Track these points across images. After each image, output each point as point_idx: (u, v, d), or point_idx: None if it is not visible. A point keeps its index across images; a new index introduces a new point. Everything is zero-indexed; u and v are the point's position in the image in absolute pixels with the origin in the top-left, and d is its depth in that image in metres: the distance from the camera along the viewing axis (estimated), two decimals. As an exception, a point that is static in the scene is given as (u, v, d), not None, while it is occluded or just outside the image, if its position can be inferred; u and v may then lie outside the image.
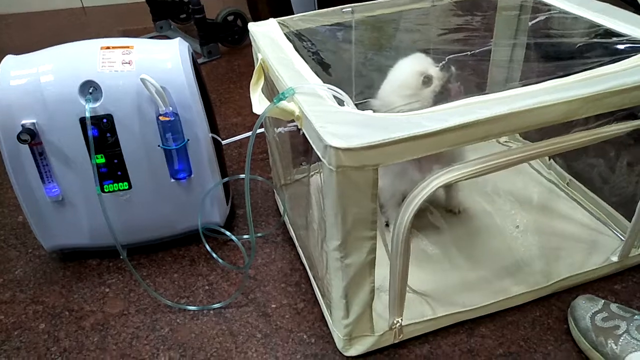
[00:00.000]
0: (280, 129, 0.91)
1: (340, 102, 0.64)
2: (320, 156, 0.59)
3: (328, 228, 0.65)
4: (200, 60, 1.78)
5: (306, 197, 0.80)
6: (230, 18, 1.83)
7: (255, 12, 1.84)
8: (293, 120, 0.67)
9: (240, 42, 1.89)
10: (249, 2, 1.85)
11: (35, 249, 1.03)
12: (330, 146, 0.55)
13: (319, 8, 1.05)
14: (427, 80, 0.82)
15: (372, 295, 0.71)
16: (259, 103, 0.74)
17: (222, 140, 1.05)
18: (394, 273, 0.69)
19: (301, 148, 1.05)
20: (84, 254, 1.00)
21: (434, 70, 0.83)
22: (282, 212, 1.05)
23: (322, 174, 0.62)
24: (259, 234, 1.03)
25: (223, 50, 1.86)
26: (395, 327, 0.75)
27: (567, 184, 1.05)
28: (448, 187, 0.98)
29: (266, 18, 0.91)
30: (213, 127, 0.96)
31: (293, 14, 0.93)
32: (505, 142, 1.20)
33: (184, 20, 2.11)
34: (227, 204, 1.04)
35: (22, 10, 2.43)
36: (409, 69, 0.85)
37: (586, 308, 0.78)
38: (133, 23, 2.24)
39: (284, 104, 0.65)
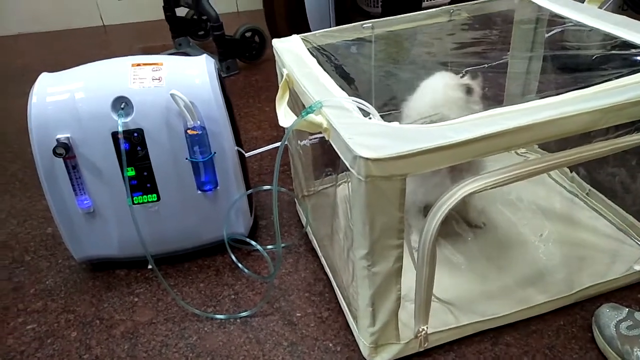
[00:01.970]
0: (304, 142, 0.93)
1: (366, 114, 0.67)
2: (348, 167, 0.61)
3: (355, 237, 0.67)
4: (219, 76, 1.82)
5: (332, 207, 0.82)
6: (248, 34, 1.87)
7: (274, 29, 1.88)
8: (316, 133, 0.69)
9: (258, 58, 1.93)
10: (267, 18, 1.89)
11: (65, 260, 1.06)
12: (360, 157, 0.58)
13: (337, 24, 1.08)
14: (469, 90, 0.85)
15: (399, 303, 0.73)
16: (285, 117, 0.77)
17: (245, 153, 1.08)
18: (419, 281, 0.70)
19: (324, 160, 1.07)
20: (112, 264, 1.02)
21: (468, 81, 0.86)
22: (304, 223, 1.07)
23: (349, 184, 0.64)
24: (282, 245, 1.05)
25: (241, 66, 1.90)
26: (421, 335, 0.77)
27: (587, 194, 1.06)
28: (465, 202, 1.00)
29: (284, 34, 0.94)
30: (237, 140, 0.99)
31: (310, 30, 0.95)
32: (524, 153, 1.22)
33: (202, 37, 2.16)
34: (251, 215, 1.06)
35: (43, 29, 2.51)
36: (452, 82, 0.87)
37: (610, 316, 0.79)
38: (152, 40, 2.30)
39: (311, 117, 0.68)
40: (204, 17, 2.09)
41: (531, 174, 0.65)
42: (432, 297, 0.79)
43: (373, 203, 0.61)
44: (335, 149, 0.65)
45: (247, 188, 1.02)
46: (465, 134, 0.59)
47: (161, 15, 2.00)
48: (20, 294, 0.99)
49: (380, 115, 0.67)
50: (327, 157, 1.08)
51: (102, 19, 2.55)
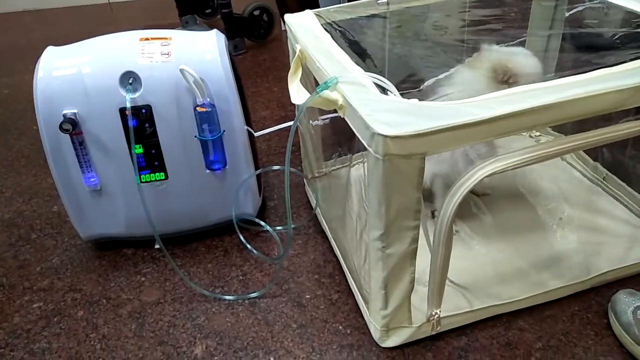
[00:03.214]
0: (316, 122, 0.91)
1: (383, 91, 0.64)
2: (365, 145, 0.59)
3: (370, 218, 0.65)
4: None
5: (345, 188, 0.80)
6: (256, 13, 1.84)
7: (283, 7, 1.84)
8: (328, 112, 0.67)
9: (266, 37, 1.90)
10: (277, -4, 1.85)
11: (71, 238, 1.05)
12: (378, 134, 0.55)
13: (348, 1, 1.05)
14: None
15: (412, 286, 0.71)
16: (298, 94, 0.75)
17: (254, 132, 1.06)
18: (434, 264, 0.69)
19: (334, 140, 1.05)
20: (118, 243, 1.01)
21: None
22: (313, 204, 1.06)
23: (366, 163, 0.62)
24: (292, 226, 1.03)
25: (249, 45, 1.87)
26: (434, 319, 0.75)
27: (604, 178, 1.04)
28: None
29: (294, 12, 0.91)
30: (247, 120, 0.97)
31: (319, 7, 0.92)
32: (537, 135, 1.19)
33: (209, 15, 2.12)
34: (260, 196, 1.04)
35: (48, 6, 2.47)
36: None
37: (627, 302, 0.77)
38: (158, 18, 2.26)
39: (326, 93, 0.65)
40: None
41: (552, 156, 0.63)
42: (452, 284, 0.78)
43: (390, 182, 0.59)
44: (352, 127, 0.63)
45: (256, 168, 1.00)
46: (489, 111, 0.56)
47: (168, -8, 1.97)
48: (26, 272, 0.98)
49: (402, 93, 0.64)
50: (337, 138, 1.06)
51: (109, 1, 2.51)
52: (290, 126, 1.35)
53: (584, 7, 0.95)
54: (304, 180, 1.11)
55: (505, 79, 0.80)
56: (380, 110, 0.59)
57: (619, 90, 0.60)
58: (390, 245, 0.65)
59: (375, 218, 0.64)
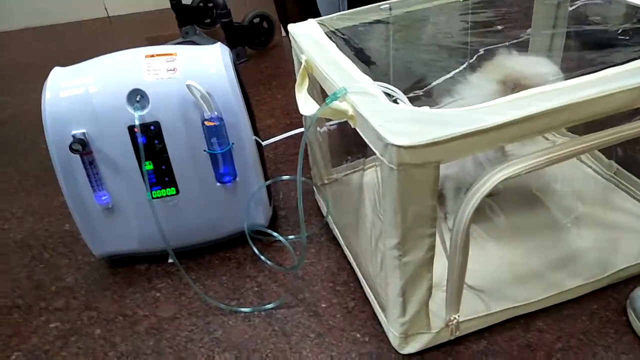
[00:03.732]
0: (324, 128, 0.91)
1: (393, 100, 0.64)
2: (379, 155, 0.59)
3: (386, 226, 0.65)
4: (228, 64, 1.80)
5: (357, 194, 0.80)
6: (256, 20, 1.84)
7: (283, 14, 1.84)
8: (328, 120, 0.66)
9: (267, 44, 1.90)
10: (276, 3, 1.85)
11: (85, 256, 1.05)
12: (392, 144, 0.55)
13: (349, 8, 1.05)
14: None
15: (430, 292, 0.71)
16: (306, 104, 0.75)
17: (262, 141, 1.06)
18: (452, 269, 0.69)
19: (342, 146, 1.05)
20: (131, 259, 1.01)
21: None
22: (324, 212, 1.06)
23: (379, 172, 0.62)
24: (306, 234, 1.03)
25: (250, 53, 1.87)
26: (452, 324, 0.75)
27: (615, 173, 1.03)
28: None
29: (294, 19, 0.91)
30: (254, 129, 0.97)
31: (320, 15, 0.92)
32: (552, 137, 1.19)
33: (209, 24, 2.12)
34: (270, 206, 1.05)
35: (47, 22, 2.48)
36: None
37: (646, 299, 0.77)
38: (159, 30, 2.26)
39: (336, 104, 0.65)
40: (211, 5, 2.06)
41: (567, 157, 0.63)
42: (468, 287, 0.77)
43: (405, 192, 0.59)
44: (363, 137, 0.63)
45: (266, 178, 1.00)
46: (502, 116, 0.56)
47: (167, 4, 1.97)
48: (42, 292, 0.98)
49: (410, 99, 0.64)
50: (346, 143, 1.06)
51: (106, 9, 2.52)
52: (297, 134, 1.36)
53: (586, 3, 0.95)
54: (314, 187, 1.11)
55: (516, 91, 0.79)
56: (392, 120, 0.58)
57: (632, 89, 0.60)
58: (407, 253, 0.65)
59: (390, 227, 0.64)
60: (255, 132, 0.98)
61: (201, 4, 2.06)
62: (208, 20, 2.12)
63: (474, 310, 0.79)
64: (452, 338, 0.77)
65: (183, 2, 2.00)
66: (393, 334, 0.77)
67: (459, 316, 0.74)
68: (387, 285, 0.72)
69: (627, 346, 0.76)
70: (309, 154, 1.06)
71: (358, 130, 0.65)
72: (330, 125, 1.01)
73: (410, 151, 0.55)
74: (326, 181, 1.06)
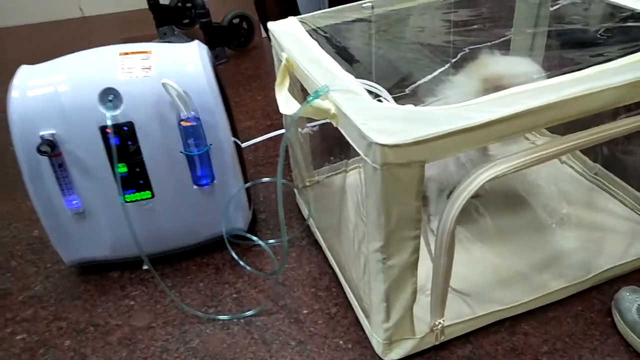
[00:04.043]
0: (306, 129, 0.88)
1: (376, 98, 0.62)
2: (362, 155, 0.57)
3: (369, 229, 0.63)
4: (206, 65, 1.76)
5: (340, 196, 0.78)
6: (236, 21, 1.81)
7: (263, 14, 1.81)
8: (317, 120, 0.64)
9: (247, 45, 1.87)
10: (256, 3, 1.82)
11: (54, 264, 1.00)
12: (376, 143, 0.53)
13: (330, 6, 1.02)
14: None
15: (415, 297, 0.69)
16: (286, 103, 0.72)
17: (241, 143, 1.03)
18: (437, 272, 0.67)
19: (324, 148, 1.03)
20: (104, 266, 0.97)
21: None
22: (305, 215, 1.03)
23: (362, 173, 0.60)
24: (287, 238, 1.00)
25: (230, 54, 1.84)
26: (437, 329, 0.73)
27: (595, 173, 1.03)
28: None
29: (275, 19, 0.89)
30: (233, 131, 0.94)
31: (301, 14, 0.90)
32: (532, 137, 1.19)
33: (187, 25, 2.08)
34: (250, 209, 1.01)
35: (22, 22, 2.41)
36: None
37: (631, 300, 0.76)
38: (135, 30, 2.21)
39: (318, 102, 0.63)
40: (189, 4, 2.02)
41: (552, 156, 0.62)
42: (454, 291, 0.76)
43: (389, 192, 0.57)
44: (346, 137, 0.61)
45: (245, 181, 0.97)
46: (488, 114, 0.55)
47: (144, 4, 1.92)
48: (8, 302, 0.93)
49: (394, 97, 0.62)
50: (327, 145, 1.04)
51: (81, 9, 2.45)
52: (277, 135, 1.33)
53: (567, 3, 0.95)
54: (295, 190, 1.08)
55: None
56: (376, 118, 0.56)
57: (617, 87, 0.59)
58: (391, 256, 0.63)
59: (374, 229, 0.61)
60: (235, 134, 0.95)
61: (179, 4, 2.02)
62: (186, 21, 2.08)
63: (459, 314, 0.77)
64: (437, 343, 0.75)
65: (161, 2, 1.95)
66: (377, 340, 0.75)
67: (443, 321, 0.72)
68: (371, 290, 0.70)
69: (612, 348, 0.75)
70: (290, 156, 1.03)
71: (340, 130, 0.62)
72: (312, 126, 0.99)
73: (395, 150, 0.53)
74: (308, 183, 1.03)
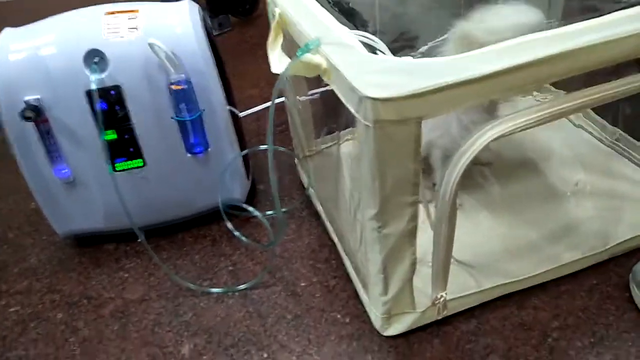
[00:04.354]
0: (304, 97, 0.84)
1: (373, 51, 0.57)
2: (353, 112, 0.52)
3: (363, 195, 0.58)
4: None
5: (336, 166, 0.73)
6: (239, -12, 1.74)
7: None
8: (315, 85, 0.59)
9: (252, 12, 1.81)
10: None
11: (50, 236, 0.98)
12: (366, 97, 0.48)
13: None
14: None
15: (414, 268, 0.64)
16: (279, 62, 0.67)
17: (239, 113, 0.99)
18: (437, 243, 0.62)
19: (326, 115, 0.97)
20: (99, 238, 0.94)
21: None
22: (305, 185, 0.99)
23: (356, 135, 0.55)
24: (283, 210, 0.96)
25: (234, 22, 1.78)
26: (439, 302, 0.69)
27: (617, 139, 0.96)
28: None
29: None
30: (229, 99, 0.90)
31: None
32: (543, 98, 1.12)
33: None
34: (248, 179, 0.97)
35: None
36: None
37: (651, 273, 0.70)
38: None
39: (308, 57, 0.58)
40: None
41: (563, 113, 0.56)
42: (457, 262, 0.71)
43: (383, 153, 0.52)
44: (337, 93, 0.56)
45: (243, 150, 0.93)
46: (493, 65, 0.49)
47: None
48: (4, 274, 0.91)
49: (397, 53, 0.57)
50: (329, 112, 0.98)
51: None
52: (279, 103, 1.28)
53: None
54: (296, 160, 1.04)
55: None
56: (369, 72, 0.51)
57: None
58: (386, 224, 0.59)
59: (368, 195, 0.57)
60: (231, 102, 0.91)
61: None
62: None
63: (464, 288, 0.73)
64: (439, 318, 0.71)
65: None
66: (375, 314, 0.71)
67: (446, 294, 0.68)
68: (368, 261, 0.66)
69: (629, 324, 0.70)
70: (290, 124, 0.98)
71: (332, 86, 0.57)
72: (312, 93, 0.93)
73: (388, 105, 0.48)
74: (308, 153, 0.99)
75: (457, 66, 0.50)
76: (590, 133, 1.01)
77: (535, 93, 1.14)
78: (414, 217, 0.59)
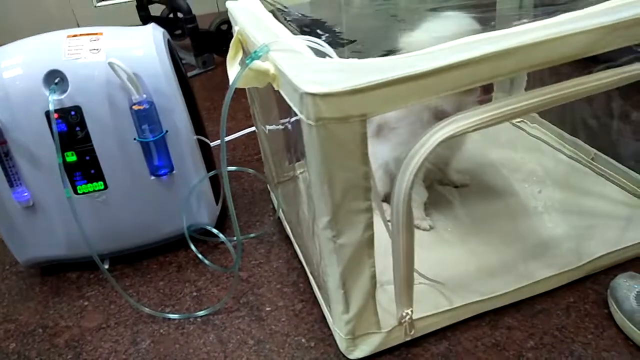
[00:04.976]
0: (270, 127, 0.83)
1: (323, 57, 0.56)
2: (298, 113, 0.50)
3: (316, 203, 0.56)
4: (195, 72, 1.73)
5: (298, 191, 0.71)
6: (223, 27, 1.78)
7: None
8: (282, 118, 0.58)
9: (235, 51, 1.84)
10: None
11: (13, 266, 0.95)
12: (306, 93, 0.47)
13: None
14: None
15: (374, 282, 0.61)
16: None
17: (211, 142, 0.98)
18: (397, 253, 0.59)
19: (296, 145, 0.96)
20: (62, 266, 0.91)
21: None
22: (276, 208, 0.96)
23: (304, 136, 0.53)
24: (251, 235, 0.94)
25: (218, 61, 1.81)
26: (405, 321, 0.65)
27: (592, 158, 0.95)
28: (446, 163, 0.90)
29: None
30: (200, 129, 0.89)
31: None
32: (519, 121, 1.11)
33: (179, 36, 2.06)
34: (217, 204, 0.95)
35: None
36: None
37: (629, 287, 0.67)
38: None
39: (257, 64, 0.57)
40: (180, 16, 2.00)
41: (515, 114, 0.54)
42: (419, 275, 0.68)
43: (330, 155, 0.50)
44: (285, 98, 0.55)
45: (213, 181, 0.91)
46: (435, 62, 0.48)
47: (137, 18, 1.92)
48: (-40, 305, 0.87)
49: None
50: (298, 142, 0.97)
51: (78, 24, 2.47)
52: (250, 132, 1.28)
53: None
54: (268, 185, 1.02)
55: None
56: (312, 71, 0.50)
57: (588, 30, 0.51)
58: (341, 233, 0.56)
59: (320, 202, 0.54)
60: (202, 132, 0.90)
61: (170, 15, 2.01)
62: (178, 32, 2.06)
63: (434, 306, 0.69)
64: (407, 339, 0.67)
65: (152, 14, 1.94)
66: (340, 335, 0.67)
67: (412, 311, 0.64)
68: (327, 277, 0.62)
69: (608, 342, 0.65)
70: (261, 151, 0.97)
71: (281, 92, 0.56)
72: (279, 123, 0.93)
73: (328, 101, 0.47)
74: (280, 179, 0.97)
75: (399, 64, 0.49)
76: (566, 154, 0.99)
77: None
78: (369, 226, 0.56)
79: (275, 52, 0.57)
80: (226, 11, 0.81)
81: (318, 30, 0.72)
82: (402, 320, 0.65)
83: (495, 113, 0.52)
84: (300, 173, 0.97)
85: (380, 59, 0.51)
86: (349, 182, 0.52)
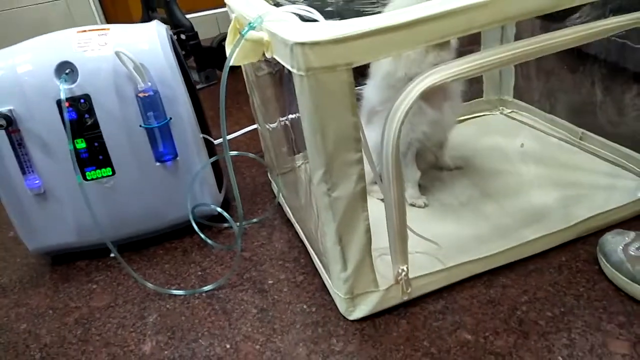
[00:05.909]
0: (275, 124, 0.88)
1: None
2: (289, 67, 0.55)
3: (310, 155, 0.59)
4: (198, 87, 1.79)
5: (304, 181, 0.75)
6: (224, 43, 1.85)
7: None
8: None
9: (237, 67, 1.90)
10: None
11: (24, 258, 0.98)
12: (296, 43, 0.51)
13: None
14: None
15: (369, 237, 0.64)
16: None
17: (214, 140, 1.02)
18: (389, 207, 0.62)
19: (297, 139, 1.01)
20: (72, 255, 0.94)
21: None
22: (276, 193, 1.00)
23: (295, 89, 0.57)
24: (254, 220, 0.97)
25: (220, 75, 1.87)
26: (402, 278, 0.67)
27: (580, 138, 0.98)
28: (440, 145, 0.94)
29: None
30: (205, 129, 0.94)
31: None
32: (509, 112, 1.15)
33: (183, 56, 2.14)
34: (220, 192, 0.99)
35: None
36: None
37: (616, 242, 0.69)
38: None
39: (252, 33, 0.62)
40: (184, 37, 2.08)
41: (497, 64, 0.58)
42: (413, 233, 0.70)
43: (320, 104, 0.54)
44: (278, 59, 0.59)
45: (217, 170, 0.95)
46: (414, 15, 0.52)
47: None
48: (-27, 295, 0.90)
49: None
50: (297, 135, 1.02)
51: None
52: (253, 129, 1.33)
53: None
54: (268, 173, 1.06)
55: None
56: (302, 31, 0.54)
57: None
58: (335, 186, 0.59)
59: (314, 153, 0.58)
60: (207, 130, 0.95)
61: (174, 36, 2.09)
62: (183, 52, 2.14)
63: (430, 267, 0.71)
64: (405, 298, 0.69)
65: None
66: (339, 296, 0.69)
67: (407, 267, 0.67)
68: (324, 236, 0.65)
69: (600, 293, 0.67)
70: (262, 144, 1.02)
71: (276, 57, 0.60)
72: (279, 120, 0.97)
73: (316, 50, 0.51)
74: (282, 171, 1.00)
75: (381, 19, 0.53)
76: (557, 137, 1.03)
77: (501, 107, 1.18)
78: (361, 178, 0.60)
79: (268, 23, 0.61)
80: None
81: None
82: (399, 278, 0.67)
83: (474, 64, 0.56)
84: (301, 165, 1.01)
85: (364, 18, 0.56)
86: (340, 131, 0.56)
